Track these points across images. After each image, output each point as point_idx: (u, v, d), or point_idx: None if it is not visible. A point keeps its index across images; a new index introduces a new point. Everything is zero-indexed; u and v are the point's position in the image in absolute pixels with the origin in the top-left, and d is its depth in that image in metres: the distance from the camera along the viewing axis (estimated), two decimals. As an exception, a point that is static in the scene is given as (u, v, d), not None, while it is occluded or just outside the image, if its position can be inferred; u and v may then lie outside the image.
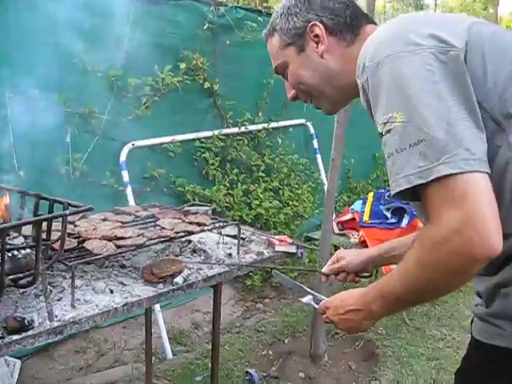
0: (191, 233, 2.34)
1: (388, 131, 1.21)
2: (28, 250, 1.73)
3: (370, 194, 4.72)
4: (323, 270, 2.08)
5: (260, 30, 4.85)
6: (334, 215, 4.41)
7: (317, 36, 1.52)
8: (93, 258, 2.00)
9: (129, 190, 4.08)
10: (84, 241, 2.12)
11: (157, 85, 4.25)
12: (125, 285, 2.05)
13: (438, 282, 1.22)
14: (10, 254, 1.67)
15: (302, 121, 5.66)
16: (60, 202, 1.82)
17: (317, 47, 1.52)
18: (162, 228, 2.36)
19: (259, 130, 5.23)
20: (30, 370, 3.52)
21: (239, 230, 2.52)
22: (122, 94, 4.07)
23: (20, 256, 1.70)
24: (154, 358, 3.41)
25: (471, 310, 4.16)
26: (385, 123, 1.22)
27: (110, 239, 2.13)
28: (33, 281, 1.70)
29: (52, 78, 3.59)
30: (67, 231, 1.98)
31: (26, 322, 1.64)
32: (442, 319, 4.61)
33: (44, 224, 1.69)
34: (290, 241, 2.64)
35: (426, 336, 4.31)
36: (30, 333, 1.62)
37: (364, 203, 4.62)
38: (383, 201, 4.52)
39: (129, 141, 4.15)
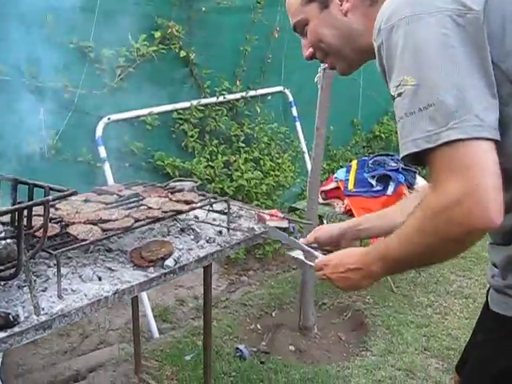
0: (180, 212, 2.24)
1: (399, 94, 1.20)
2: (8, 240, 1.60)
3: (354, 162, 4.62)
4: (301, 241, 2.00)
5: (237, -5, 4.71)
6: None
7: None
8: (79, 244, 1.88)
9: (106, 166, 3.93)
10: (67, 225, 1.99)
11: (131, 55, 4.08)
12: (113, 270, 1.95)
13: (437, 249, 1.24)
14: (-11, 246, 1.55)
15: (280, 88, 5.53)
16: (40, 187, 1.69)
17: (341, 5, 1.47)
18: (149, 208, 2.24)
19: (237, 99, 5.09)
20: (13, 357, 3.40)
21: (228, 207, 2.43)
22: (95, 66, 3.90)
23: (0, 247, 1.58)
24: (140, 337, 3.32)
25: (456, 274, 4.14)
26: (397, 86, 1.20)
27: (95, 223, 2.01)
28: (15, 272, 1.58)
29: (20, 51, 3.42)
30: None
31: (10, 317, 1.53)
32: (428, 286, 4.59)
33: (24, 211, 1.57)
34: (281, 215, 2.56)
35: (414, 303, 4.28)
36: (16, 329, 1.51)
37: (348, 171, 4.53)
38: (367, 168, 4.44)
39: (104, 115, 3.98)
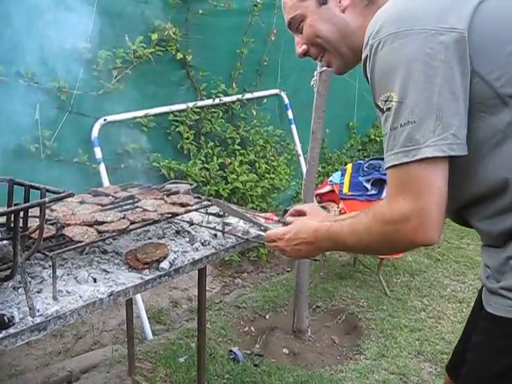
0: (176, 214, 2.23)
1: (388, 109, 1.28)
2: (4, 242, 1.60)
3: (349, 166, 4.64)
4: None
5: (233, -2, 4.71)
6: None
7: None
8: (74, 246, 1.88)
9: (102, 168, 3.93)
10: (63, 227, 1.99)
11: (128, 57, 4.08)
12: (108, 272, 1.94)
13: (376, 248, 1.53)
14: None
15: (276, 91, 5.54)
16: (37, 188, 1.69)
17: (339, 1, 1.51)
18: (145, 210, 2.24)
19: (233, 102, 5.09)
20: (6, 357, 3.40)
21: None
22: (92, 67, 3.90)
23: (-4, 248, 1.58)
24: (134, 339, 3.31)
25: (450, 278, 4.15)
26: (385, 101, 1.28)
27: (90, 224, 2.01)
28: (11, 274, 1.58)
29: (17, 52, 3.42)
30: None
31: (5, 318, 1.53)
32: (422, 289, 4.60)
33: (20, 213, 1.57)
34: (276, 218, 2.55)
35: (408, 307, 4.30)
36: (11, 331, 1.51)
37: (343, 175, 4.55)
38: (362, 172, 4.46)
39: (100, 116, 3.98)
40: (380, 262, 4.51)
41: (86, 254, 2.06)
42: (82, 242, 1.89)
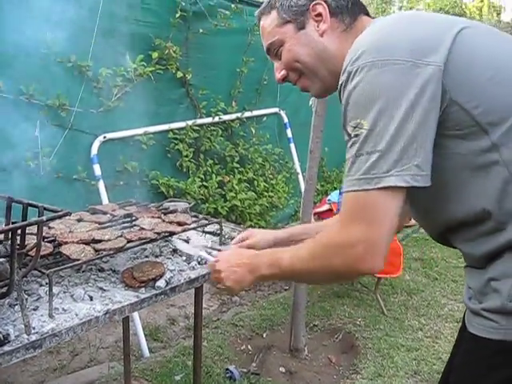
0: (173, 233, 2.25)
1: (356, 135, 1.29)
2: (1, 259, 1.62)
3: (347, 185, 4.66)
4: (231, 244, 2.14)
5: (233, 17, 4.76)
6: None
7: (319, 15, 1.53)
8: (71, 264, 1.90)
9: (101, 185, 3.95)
10: (60, 245, 2.01)
11: (128, 75, 4.12)
12: (104, 290, 1.95)
13: (317, 274, 1.46)
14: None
15: (276, 110, 5.58)
16: (35, 206, 1.71)
17: (317, 26, 1.53)
18: (142, 228, 2.25)
19: (233, 120, 5.13)
20: (1, 374, 3.39)
21: (221, 228, 2.45)
22: (92, 84, 3.94)
23: (-7, 266, 1.59)
24: (130, 356, 3.31)
25: (447, 298, 4.15)
26: (354, 127, 1.29)
27: (87, 243, 2.02)
28: (7, 292, 1.59)
29: (19, 69, 3.45)
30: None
31: (0, 336, 1.54)
32: (419, 309, 4.61)
33: (18, 230, 1.59)
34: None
35: (405, 326, 4.29)
36: (6, 348, 1.52)
37: (341, 194, 4.56)
38: (360, 191, 4.47)
39: (100, 133, 4.02)
40: (377, 280, 4.52)
41: (83, 271, 2.07)
42: (78, 260, 1.91)
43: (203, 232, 2.54)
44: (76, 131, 3.92)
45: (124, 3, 4.08)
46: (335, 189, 5.69)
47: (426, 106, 1.23)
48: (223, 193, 4.91)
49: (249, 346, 4.01)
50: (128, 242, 2.09)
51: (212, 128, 4.95)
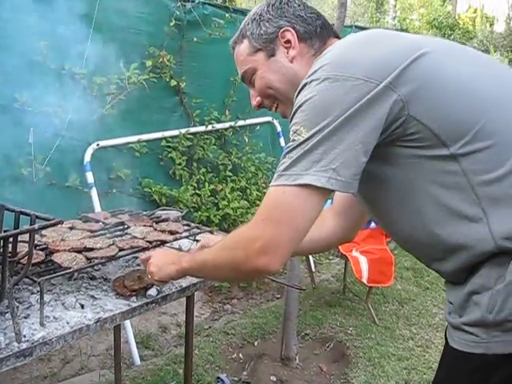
0: (164, 242, 2.26)
1: (293, 140, 1.31)
2: (-8, 267, 1.62)
3: (339, 194, 4.67)
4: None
5: (227, 26, 4.79)
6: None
7: (288, 42, 1.56)
8: (62, 272, 1.90)
9: (94, 192, 3.95)
10: (52, 253, 2.01)
11: (122, 83, 4.13)
12: (96, 298, 1.96)
13: (222, 269, 1.49)
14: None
15: (269, 118, 5.60)
16: (27, 214, 1.71)
17: (287, 52, 1.56)
18: (133, 237, 2.26)
19: (226, 129, 5.15)
20: (-9, 382, 3.39)
21: (213, 237, 2.45)
22: (86, 92, 3.95)
23: (-16, 274, 1.60)
24: (121, 364, 3.30)
25: (439, 307, 4.17)
26: (294, 132, 1.32)
27: (79, 251, 2.03)
28: (-2, 300, 1.60)
29: (13, 77, 3.46)
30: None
31: (-9, 344, 1.54)
32: (410, 318, 4.62)
33: (10, 239, 1.59)
34: None
35: (396, 336, 4.31)
36: (-4, 356, 1.52)
37: (332, 202, 4.57)
38: (352, 201, 4.49)
39: (93, 141, 4.02)
40: (369, 290, 4.54)
41: (75, 279, 2.08)
42: (70, 268, 1.91)
43: (195, 240, 2.55)
44: (69, 138, 3.92)
45: (119, 11, 4.10)
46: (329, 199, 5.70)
47: (367, 123, 1.26)
48: (216, 201, 4.92)
49: (240, 355, 4.01)
50: (120, 250, 2.10)
51: (205, 136, 4.96)
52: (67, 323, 1.75)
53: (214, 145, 5.02)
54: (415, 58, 1.30)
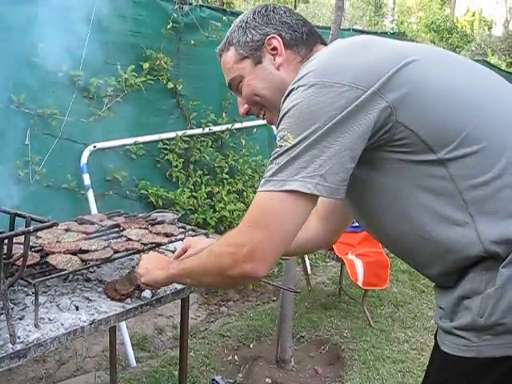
0: (159, 244, 2.27)
1: (280, 146, 1.32)
2: (-13, 269, 1.63)
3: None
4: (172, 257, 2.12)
5: (225, 29, 4.78)
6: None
7: (274, 49, 1.56)
8: (57, 274, 1.91)
9: (90, 194, 3.96)
10: (47, 255, 2.02)
11: (119, 85, 4.14)
12: (91, 300, 1.97)
13: (210, 274, 1.49)
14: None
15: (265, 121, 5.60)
16: (22, 216, 1.72)
17: (274, 59, 1.56)
18: (129, 239, 2.27)
19: (223, 131, 5.16)
20: (-13, 383, 3.40)
21: (208, 240, 2.46)
22: (83, 94, 3.96)
23: (-21, 275, 1.61)
24: (117, 366, 3.31)
25: (434, 310, 4.17)
26: (281, 138, 1.32)
27: (74, 253, 2.04)
28: (-7, 301, 1.61)
29: (9, 78, 3.47)
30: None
31: (-14, 345, 1.55)
32: (406, 321, 4.63)
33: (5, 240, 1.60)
34: None
35: (391, 338, 4.32)
36: (-10, 358, 1.53)
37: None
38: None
39: (90, 143, 4.03)
40: (365, 292, 4.55)
41: (70, 281, 2.09)
42: (65, 269, 1.92)
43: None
44: (66, 140, 3.93)
45: (116, 13, 4.11)
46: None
47: (354, 130, 1.26)
48: (212, 203, 4.93)
49: (235, 357, 4.02)
50: (115, 252, 2.11)
51: (202, 139, 4.97)
52: (62, 325, 1.76)
53: (211, 147, 5.03)
54: (403, 65, 1.31)
